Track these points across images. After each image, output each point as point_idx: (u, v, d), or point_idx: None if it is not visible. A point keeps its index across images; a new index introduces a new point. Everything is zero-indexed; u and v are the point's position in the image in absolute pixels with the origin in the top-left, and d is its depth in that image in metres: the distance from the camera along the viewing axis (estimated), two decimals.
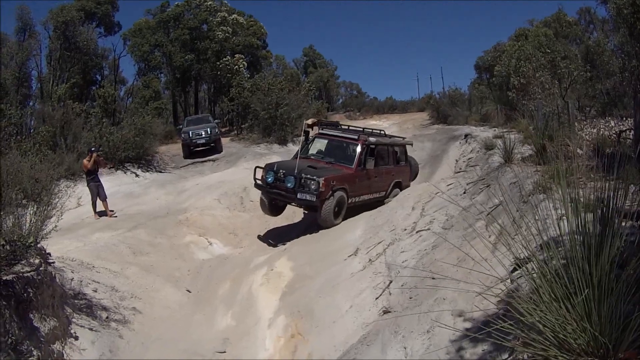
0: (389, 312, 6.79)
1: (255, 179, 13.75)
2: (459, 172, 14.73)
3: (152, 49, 39.03)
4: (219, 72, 37.80)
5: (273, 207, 14.15)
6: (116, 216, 15.53)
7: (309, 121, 15.75)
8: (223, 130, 34.54)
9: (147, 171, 23.33)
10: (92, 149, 16.45)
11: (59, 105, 24.28)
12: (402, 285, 7.38)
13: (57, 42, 33.24)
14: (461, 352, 4.49)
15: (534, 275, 3.32)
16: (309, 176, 12.76)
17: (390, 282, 7.84)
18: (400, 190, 15.70)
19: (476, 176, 11.19)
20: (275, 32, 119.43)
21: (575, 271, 3.12)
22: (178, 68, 39.17)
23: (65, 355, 6.73)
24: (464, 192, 10.37)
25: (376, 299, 7.62)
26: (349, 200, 13.45)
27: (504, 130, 13.86)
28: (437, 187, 12.13)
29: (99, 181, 15.71)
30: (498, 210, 7.23)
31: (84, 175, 16.15)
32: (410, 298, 6.68)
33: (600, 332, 2.93)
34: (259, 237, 14.17)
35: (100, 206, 15.57)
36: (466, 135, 21.97)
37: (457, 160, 18.20)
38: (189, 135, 26.23)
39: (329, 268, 9.83)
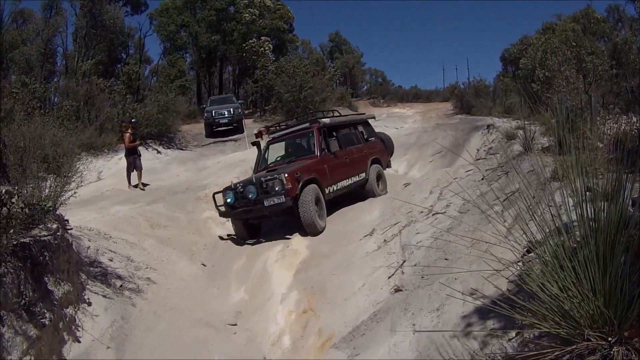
0: (401, 290, 6.82)
1: (217, 207, 12.11)
2: (479, 159, 14.62)
3: (178, 28, 39.20)
4: (244, 54, 37.89)
5: (248, 228, 12.17)
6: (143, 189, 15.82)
7: (255, 131, 14.86)
8: (246, 112, 34.59)
9: (169, 148, 23.61)
10: (133, 120, 16.74)
11: (83, 80, 24.48)
12: (414, 265, 7.40)
13: (84, 20, 33.44)
14: (469, 328, 4.52)
15: (545, 252, 3.35)
16: (269, 177, 11.36)
17: (404, 261, 7.86)
18: (382, 167, 14.88)
19: (495, 164, 11.12)
20: (302, 16, 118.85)
21: (582, 248, 3.14)
22: (204, 48, 39.34)
23: (77, 319, 6.83)
24: (482, 179, 10.33)
25: (389, 277, 7.64)
26: (326, 191, 12.09)
27: (527, 122, 13.70)
28: (456, 172, 12.10)
29: (137, 154, 16.06)
30: (514, 196, 7.20)
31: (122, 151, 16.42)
32: (422, 277, 6.70)
33: (605, 305, 2.94)
34: None
35: (134, 179, 15.93)
36: (488, 126, 21.79)
37: (478, 149, 18.07)
38: (212, 114, 26.35)
39: (345, 247, 9.88)
